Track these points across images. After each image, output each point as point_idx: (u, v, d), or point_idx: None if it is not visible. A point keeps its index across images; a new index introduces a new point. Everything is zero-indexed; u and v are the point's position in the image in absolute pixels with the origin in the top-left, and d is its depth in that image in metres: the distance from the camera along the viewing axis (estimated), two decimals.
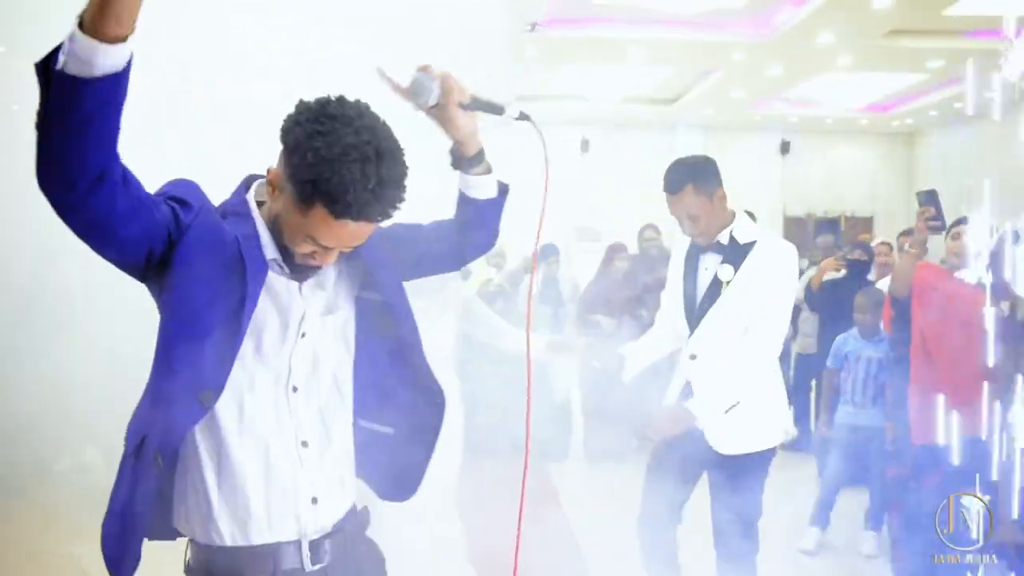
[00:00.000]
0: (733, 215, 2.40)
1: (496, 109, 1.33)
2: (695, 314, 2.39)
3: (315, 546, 1.28)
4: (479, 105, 1.32)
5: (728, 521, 2.39)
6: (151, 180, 1.18)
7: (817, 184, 11.67)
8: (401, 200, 1.15)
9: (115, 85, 0.93)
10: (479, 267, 6.27)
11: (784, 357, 2.51)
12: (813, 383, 5.10)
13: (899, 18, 6.84)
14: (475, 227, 1.43)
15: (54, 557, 3.44)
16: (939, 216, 2.96)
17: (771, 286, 2.31)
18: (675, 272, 2.52)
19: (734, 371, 2.32)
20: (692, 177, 2.32)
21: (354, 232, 1.16)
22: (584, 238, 9.44)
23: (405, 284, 1.39)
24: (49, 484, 4.56)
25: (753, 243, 2.34)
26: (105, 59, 0.90)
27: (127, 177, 1.06)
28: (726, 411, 2.28)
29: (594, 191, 10.75)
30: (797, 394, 5.21)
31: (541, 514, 3.82)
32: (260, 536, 1.24)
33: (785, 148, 11.87)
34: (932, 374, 2.94)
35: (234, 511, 1.23)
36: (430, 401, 1.42)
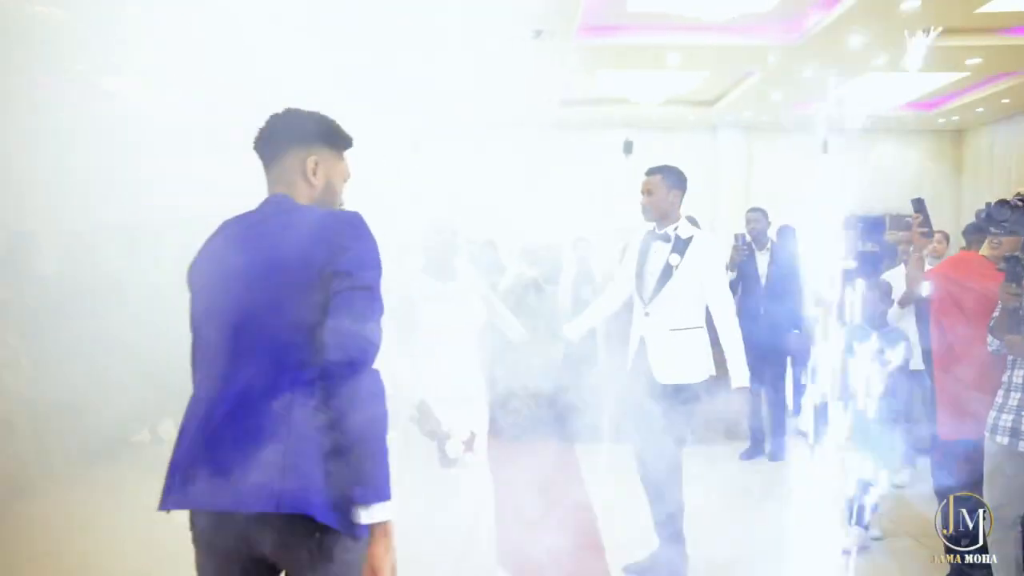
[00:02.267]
0: (679, 217, 3.35)
1: None
2: (649, 286, 3.24)
3: None
4: None
5: (658, 440, 3.16)
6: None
7: (859, 183, 11.65)
8: None
9: None
10: (514, 262, 6.61)
11: None
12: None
13: (928, 19, 6.93)
14: None
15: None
16: (927, 223, 3.23)
17: (710, 267, 3.25)
18: (632, 255, 3.42)
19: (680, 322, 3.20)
20: (664, 172, 3.39)
21: None
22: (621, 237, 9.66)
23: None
24: (124, 456, 5.03)
25: (691, 237, 3.28)
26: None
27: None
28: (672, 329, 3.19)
29: (638, 191, 10.93)
30: None
31: (563, 497, 4.12)
32: None
33: (825, 148, 11.89)
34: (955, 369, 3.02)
35: None
36: None
